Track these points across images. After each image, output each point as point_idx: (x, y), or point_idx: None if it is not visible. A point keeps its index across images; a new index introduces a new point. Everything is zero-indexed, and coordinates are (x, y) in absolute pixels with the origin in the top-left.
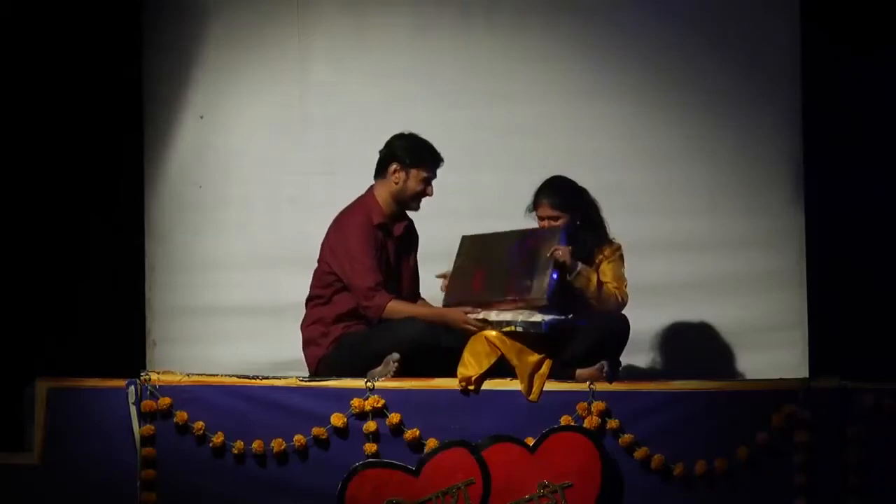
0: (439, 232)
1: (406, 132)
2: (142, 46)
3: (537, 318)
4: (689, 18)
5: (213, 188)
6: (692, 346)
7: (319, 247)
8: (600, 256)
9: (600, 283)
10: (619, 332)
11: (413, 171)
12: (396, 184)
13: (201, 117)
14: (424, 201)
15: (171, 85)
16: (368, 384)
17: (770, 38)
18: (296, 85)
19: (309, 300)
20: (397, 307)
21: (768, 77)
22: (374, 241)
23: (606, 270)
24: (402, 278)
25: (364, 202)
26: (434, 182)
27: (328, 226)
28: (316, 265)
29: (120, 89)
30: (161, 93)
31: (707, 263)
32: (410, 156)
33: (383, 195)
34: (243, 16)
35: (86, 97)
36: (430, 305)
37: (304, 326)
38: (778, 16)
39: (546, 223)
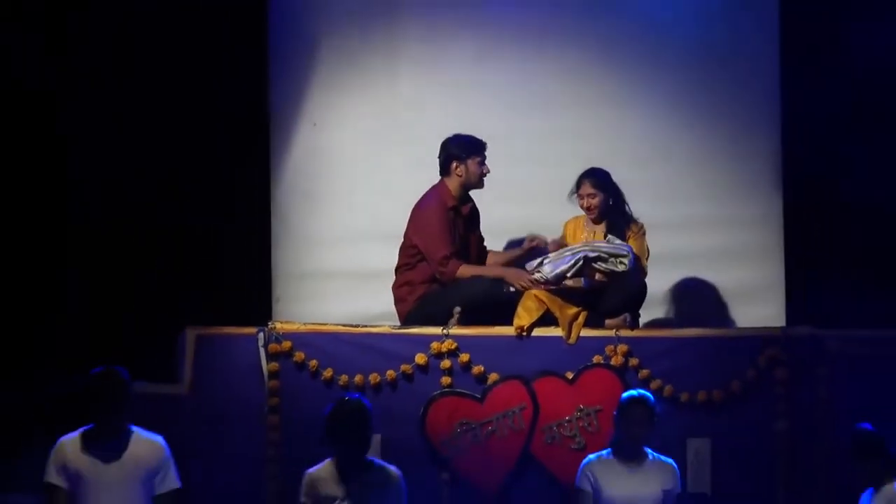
0: (498, 213)
1: (450, 135)
2: (268, 70)
3: (573, 282)
4: (686, 36)
5: (321, 179)
6: (695, 302)
7: (404, 226)
8: (628, 233)
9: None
10: (639, 291)
11: (469, 161)
12: (460, 175)
13: (314, 125)
14: (487, 189)
15: (290, 99)
16: (444, 331)
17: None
18: (385, 98)
19: (398, 268)
20: (467, 270)
21: (752, 96)
22: (447, 220)
23: (633, 246)
24: (470, 247)
25: (437, 191)
26: (493, 176)
27: (410, 210)
28: (402, 241)
29: (253, 102)
30: (283, 105)
31: (706, 238)
32: (463, 151)
33: (453, 185)
34: (345, 43)
35: (229, 109)
36: (497, 267)
37: (395, 287)
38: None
39: (585, 201)
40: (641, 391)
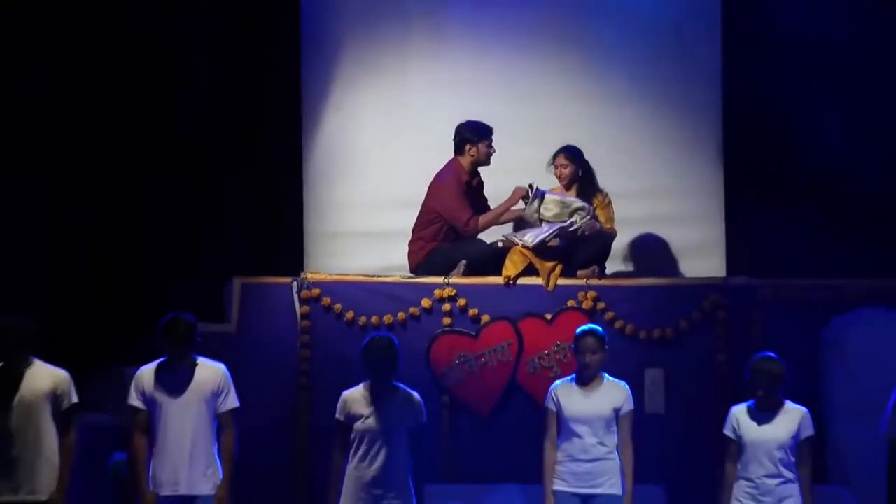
0: (499, 182)
1: (462, 121)
2: (300, 65)
3: (553, 241)
4: (643, 42)
5: (344, 155)
6: (651, 257)
7: (414, 194)
8: (595, 202)
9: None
10: (604, 247)
11: (480, 144)
12: (472, 156)
13: (338, 110)
14: (493, 163)
15: (319, 89)
16: (445, 280)
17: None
18: (397, 88)
19: (414, 228)
20: (483, 220)
21: (697, 90)
22: (463, 191)
23: (600, 215)
24: (480, 210)
25: (453, 167)
26: (497, 155)
27: (423, 180)
28: (420, 207)
29: (288, 92)
30: (313, 93)
31: (661, 204)
32: (475, 135)
33: (466, 163)
34: (363, 43)
35: (270, 97)
36: (499, 207)
37: (410, 243)
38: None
39: (559, 171)
40: (592, 325)
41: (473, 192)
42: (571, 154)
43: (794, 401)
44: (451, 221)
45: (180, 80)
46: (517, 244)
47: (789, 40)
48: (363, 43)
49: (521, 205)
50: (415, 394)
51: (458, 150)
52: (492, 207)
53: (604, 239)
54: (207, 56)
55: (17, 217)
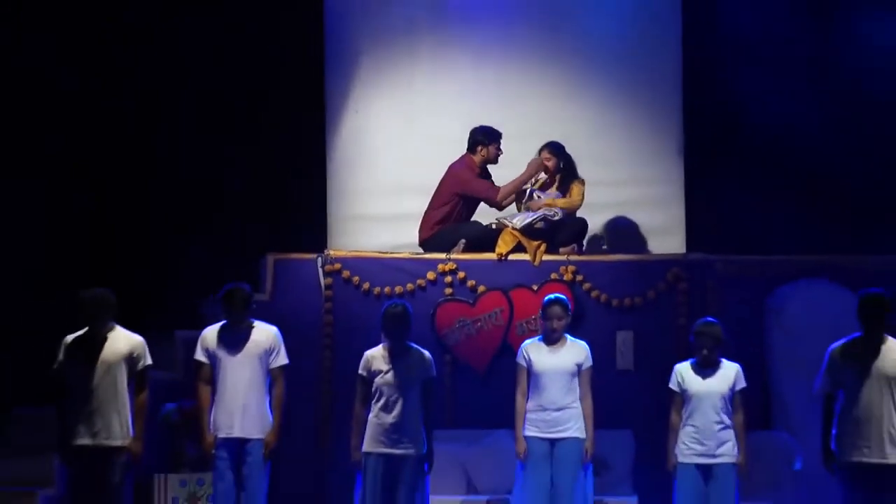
0: (500, 171)
1: (476, 126)
2: (324, 73)
3: (540, 225)
4: (611, 50)
5: (361, 150)
6: (622, 236)
7: (422, 183)
8: (575, 187)
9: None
10: (582, 228)
11: (491, 146)
12: (483, 155)
13: (356, 111)
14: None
15: (339, 93)
16: (447, 256)
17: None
18: (407, 91)
19: (428, 209)
20: (505, 190)
21: (660, 92)
22: (478, 175)
23: (576, 192)
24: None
25: (466, 161)
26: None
27: (429, 170)
28: (435, 193)
29: (314, 96)
30: (335, 97)
31: (631, 190)
32: (487, 138)
33: (477, 160)
34: (378, 53)
35: (299, 101)
36: (516, 179)
37: (422, 222)
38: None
39: (544, 162)
40: (558, 294)
41: (483, 183)
42: (555, 148)
43: (743, 359)
44: (477, 196)
45: (227, 89)
46: (508, 226)
47: (743, 42)
48: (377, 55)
49: (542, 175)
50: (426, 352)
51: (471, 149)
52: (502, 188)
53: (581, 222)
54: (246, 67)
55: (74, 205)
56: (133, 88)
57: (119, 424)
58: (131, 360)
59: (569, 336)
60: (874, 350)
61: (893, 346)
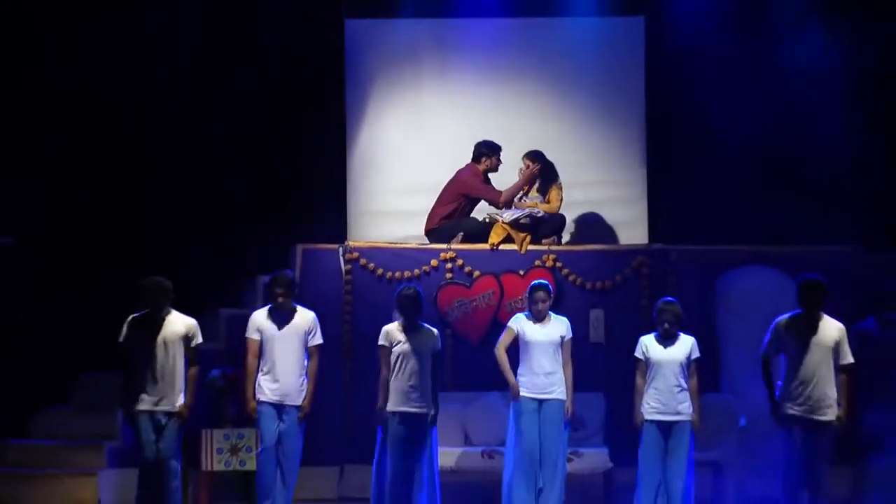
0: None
1: (480, 140)
2: (345, 93)
3: (525, 221)
4: (582, 70)
5: (376, 157)
6: (594, 229)
7: (426, 184)
8: (553, 190)
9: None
10: (560, 223)
11: (493, 158)
12: (486, 165)
13: (371, 125)
14: (469, 157)
15: (357, 109)
16: (448, 246)
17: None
18: (414, 107)
19: (435, 206)
20: (507, 193)
21: (625, 108)
22: (483, 181)
23: (554, 197)
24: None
25: (471, 169)
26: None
27: (432, 175)
28: (442, 192)
29: (335, 107)
30: (354, 113)
31: (602, 191)
32: (490, 150)
33: (480, 168)
34: (388, 75)
35: (324, 118)
36: (512, 186)
37: (429, 216)
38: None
39: (527, 169)
40: (542, 280)
41: (486, 186)
42: (536, 156)
43: (696, 333)
44: (483, 198)
45: (263, 111)
46: (499, 221)
47: (697, 64)
48: (388, 77)
49: (535, 190)
50: (434, 329)
51: (476, 159)
52: (501, 191)
53: (560, 218)
54: (278, 90)
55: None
56: (184, 99)
57: (174, 394)
58: (186, 339)
59: (552, 313)
60: (814, 325)
61: (829, 323)
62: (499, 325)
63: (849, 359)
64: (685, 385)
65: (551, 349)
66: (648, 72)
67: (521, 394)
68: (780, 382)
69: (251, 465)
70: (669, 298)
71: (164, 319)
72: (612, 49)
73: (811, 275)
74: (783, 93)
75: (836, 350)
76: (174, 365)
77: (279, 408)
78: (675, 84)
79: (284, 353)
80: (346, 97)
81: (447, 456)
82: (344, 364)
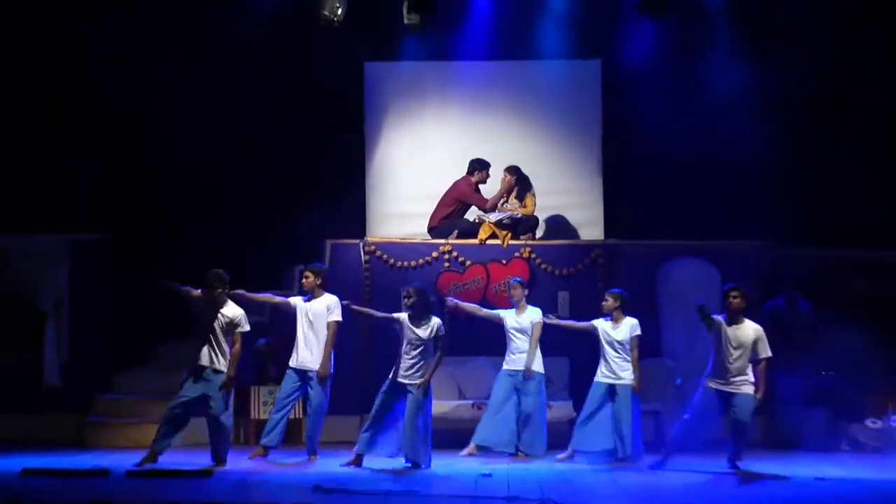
0: (485, 187)
1: (473, 157)
2: (364, 115)
3: (507, 221)
4: (551, 102)
5: (390, 171)
6: (561, 228)
7: (429, 193)
8: (528, 197)
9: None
10: (534, 223)
11: (483, 172)
12: (478, 178)
13: (386, 146)
14: (462, 170)
15: (375, 133)
16: (446, 241)
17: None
18: (420, 131)
19: (436, 209)
20: (490, 201)
21: (583, 136)
22: (475, 190)
23: (529, 202)
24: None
25: (466, 180)
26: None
27: (434, 185)
28: (442, 198)
29: (356, 130)
30: (372, 133)
31: (566, 197)
32: (481, 166)
33: (473, 180)
34: (397, 106)
35: (348, 134)
36: (496, 194)
37: (431, 217)
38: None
39: (507, 180)
40: (518, 278)
41: (477, 194)
42: (514, 170)
43: (641, 310)
44: (474, 202)
45: (295, 136)
46: (486, 221)
47: (644, 92)
48: (398, 107)
49: (513, 197)
50: (437, 319)
51: (469, 172)
52: (488, 199)
53: (534, 219)
54: (311, 119)
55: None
56: (240, 133)
57: (222, 360)
58: (233, 324)
59: (528, 305)
60: (735, 325)
61: (748, 324)
62: (486, 304)
63: (767, 353)
64: (628, 357)
65: (525, 333)
66: (604, 102)
67: (505, 368)
68: (709, 366)
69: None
70: (617, 290)
71: (220, 304)
72: (576, 85)
73: (731, 284)
74: (709, 116)
75: (755, 349)
76: (223, 343)
77: (304, 373)
78: (625, 112)
79: (308, 328)
80: (365, 123)
81: (445, 407)
82: (361, 337)
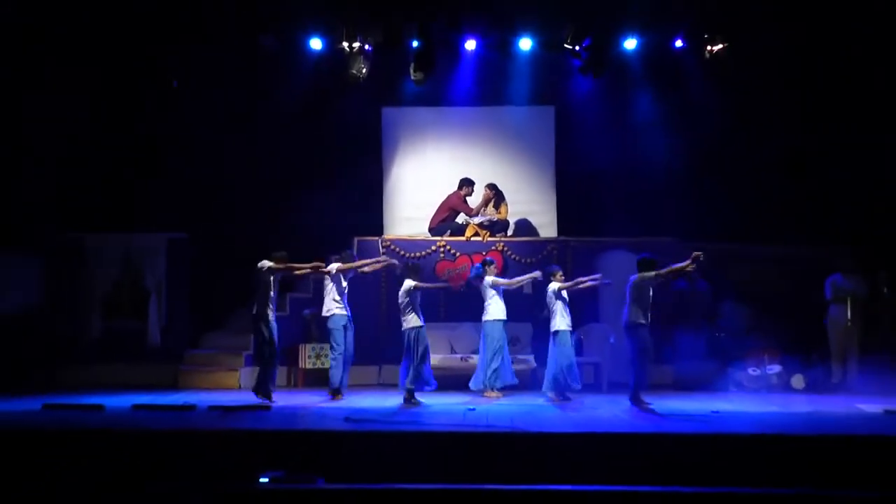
0: (470, 199)
1: (463, 177)
2: (381, 145)
3: (486, 223)
4: (516, 135)
5: (401, 187)
6: (525, 229)
7: (431, 202)
8: (502, 205)
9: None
10: (506, 225)
11: (471, 187)
12: (466, 192)
13: (399, 167)
14: (453, 187)
15: (390, 157)
16: (442, 238)
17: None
18: (422, 157)
19: (435, 213)
20: (475, 209)
21: (541, 161)
22: (463, 201)
23: (503, 210)
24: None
25: (457, 193)
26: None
27: (435, 197)
28: (439, 206)
29: (375, 157)
30: (388, 159)
31: (529, 206)
32: (467, 184)
33: (462, 193)
34: (406, 139)
35: (369, 160)
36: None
37: (430, 221)
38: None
39: (485, 193)
40: (477, 266)
41: (465, 204)
42: (492, 186)
43: (584, 291)
44: (461, 210)
45: (321, 162)
46: (471, 223)
47: (588, 130)
48: (407, 139)
49: (491, 206)
50: (409, 281)
51: (459, 188)
52: (472, 207)
53: (506, 222)
54: (340, 148)
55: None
56: (283, 153)
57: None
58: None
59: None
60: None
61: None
62: (470, 284)
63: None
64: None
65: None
66: (557, 136)
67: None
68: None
69: (327, 364)
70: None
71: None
72: (536, 125)
73: (645, 254)
74: (632, 143)
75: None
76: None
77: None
78: (572, 143)
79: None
80: (382, 153)
81: (439, 359)
82: (379, 310)
